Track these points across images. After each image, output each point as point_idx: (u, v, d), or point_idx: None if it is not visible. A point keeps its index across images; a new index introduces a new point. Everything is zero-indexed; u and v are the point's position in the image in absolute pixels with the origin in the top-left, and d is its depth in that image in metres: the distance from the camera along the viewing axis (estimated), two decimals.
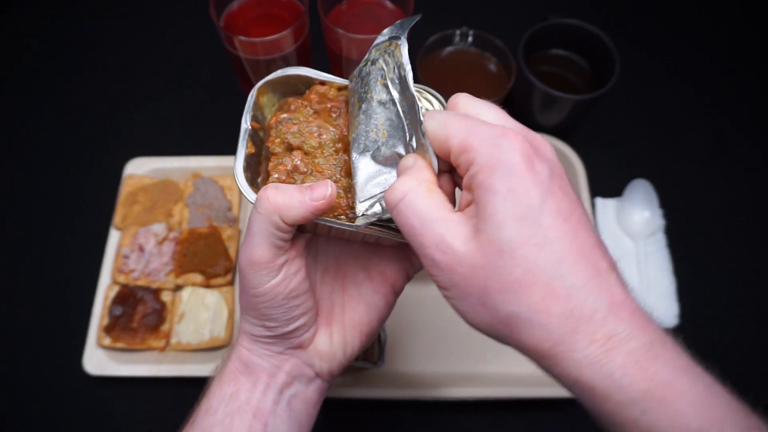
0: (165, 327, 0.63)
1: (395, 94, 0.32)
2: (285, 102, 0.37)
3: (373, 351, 0.58)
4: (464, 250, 0.27)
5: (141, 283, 0.64)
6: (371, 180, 0.33)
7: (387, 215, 0.32)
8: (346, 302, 0.39)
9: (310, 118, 0.36)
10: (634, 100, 0.80)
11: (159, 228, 0.66)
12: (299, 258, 0.35)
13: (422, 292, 0.65)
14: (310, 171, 0.35)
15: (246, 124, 0.36)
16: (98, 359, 0.61)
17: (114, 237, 0.67)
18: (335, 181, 0.35)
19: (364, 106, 0.33)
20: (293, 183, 0.34)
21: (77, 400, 0.62)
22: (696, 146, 0.77)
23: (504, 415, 0.61)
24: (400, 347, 0.63)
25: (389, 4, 0.63)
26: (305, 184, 0.32)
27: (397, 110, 0.32)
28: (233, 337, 0.62)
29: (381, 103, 0.33)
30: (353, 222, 0.34)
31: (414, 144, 0.31)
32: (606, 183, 0.72)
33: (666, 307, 0.65)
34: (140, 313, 0.63)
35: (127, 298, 0.63)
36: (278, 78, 0.37)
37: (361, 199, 0.33)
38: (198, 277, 0.65)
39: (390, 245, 0.38)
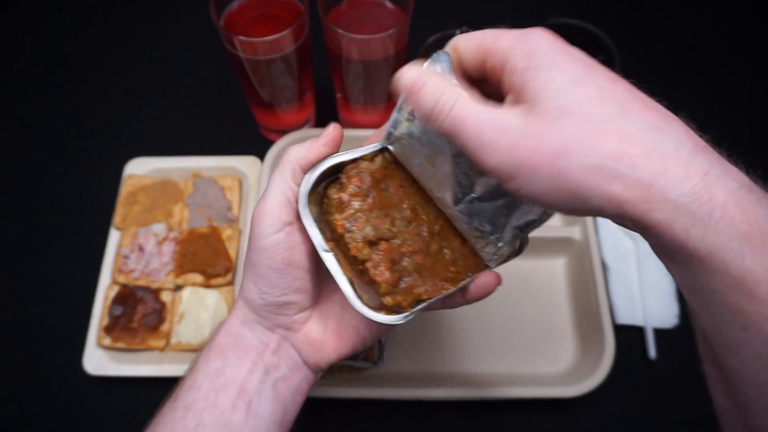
0: (165, 327, 0.63)
1: (445, 145, 0.32)
2: (328, 198, 0.35)
3: (373, 351, 0.58)
4: (524, 123, 0.25)
5: (141, 283, 0.64)
6: (492, 214, 0.33)
7: (527, 233, 0.34)
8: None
9: (370, 204, 0.35)
10: None
11: (159, 228, 0.66)
12: (304, 235, 0.35)
13: None
14: (404, 256, 0.35)
15: (326, 249, 0.35)
16: (98, 359, 0.61)
17: (114, 237, 0.67)
18: (427, 251, 0.35)
19: (440, 161, 0.32)
20: (398, 277, 0.34)
21: (77, 400, 0.62)
22: None
23: (504, 415, 0.61)
24: (400, 347, 0.63)
25: (389, 4, 0.63)
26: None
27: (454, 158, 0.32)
28: None
29: (454, 154, 0.32)
30: (495, 255, 0.35)
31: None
32: None
33: (666, 307, 0.65)
34: (140, 313, 0.63)
35: (127, 298, 0.63)
36: (314, 182, 0.35)
37: (495, 232, 0.34)
38: (198, 277, 0.65)
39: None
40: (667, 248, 0.24)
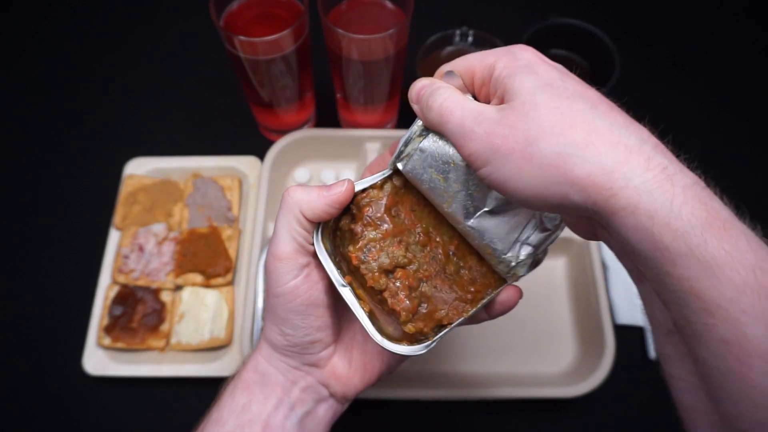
0: (165, 327, 0.63)
1: (457, 156, 0.32)
2: (341, 230, 0.36)
3: None
4: (501, 114, 0.28)
5: (141, 283, 0.64)
6: (503, 231, 0.33)
7: (540, 251, 0.34)
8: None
9: (383, 232, 0.35)
10: (634, 100, 0.80)
11: (159, 228, 0.66)
12: (321, 271, 0.35)
13: None
14: (421, 281, 0.35)
15: (343, 284, 0.35)
16: (98, 359, 0.61)
17: (114, 237, 0.67)
18: (444, 273, 0.35)
19: (452, 175, 0.33)
20: (417, 303, 0.34)
21: (77, 400, 0.62)
22: (696, 146, 0.77)
23: (504, 415, 0.61)
24: None
25: (389, 4, 0.63)
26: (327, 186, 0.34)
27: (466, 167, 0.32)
28: (233, 338, 0.62)
29: (465, 166, 0.32)
30: (509, 274, 0.35)
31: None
32: None
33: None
34: (140, 313, 0.63)
35: (127, 298, 0.63)
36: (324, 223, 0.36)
37: (508, 250, 0.34)
38: (198, 277, 0.65)
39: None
40: (632, 238, 0.25)
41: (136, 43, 0.85)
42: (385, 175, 0.36)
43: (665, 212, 0.23)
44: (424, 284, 0.35)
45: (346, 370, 0.38)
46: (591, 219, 0.27)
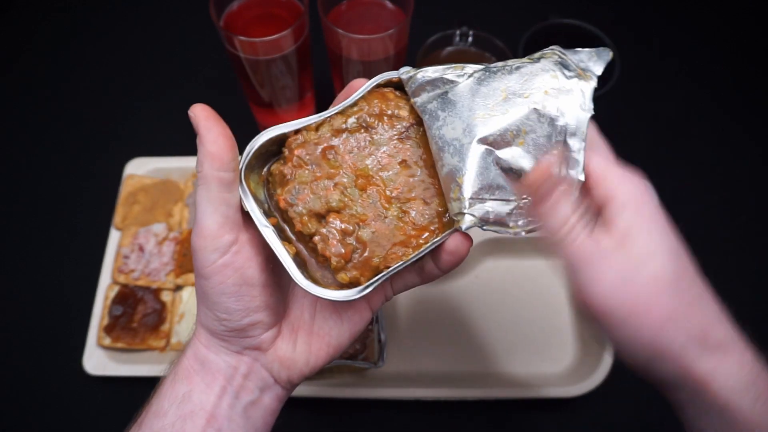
0: (165, 327, 0.63)
1: (553, 113, 0.32)
2: (272, 175, 0.34)
3: (373, 351, 0.58)
4: (644, 277, 0.29)
5: (141, 283, 0.64)
6: (484, 182, 0.31)
7: (510, 228, 0.32)
8: (318, 311, 0.36)
9: (315, 174, 0.33)
10: (634, 100, 0.80)
11: (159, 228, 0.66)
12: (254, 247, 0.33)
13: (422, 292, 0.65)
14: (357, 226, 0.32)
15: (264, 223, 0.32)
16: (98, 359, 0.61)
17: (114, 237, 0.67)
18: (384, 217, 0.33)
19: (513, 99, 0.32)
20: (352, 248, 0.32)
21: (77, 400, 0.62)
22: (696, 146, 0.77)
23: (504, 415, 0.61)
24: (400, 347, 0.63)
25: (389, 4, 0.63)
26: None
27: (550, 133, 0.32)
28: None
29: (538, 113, 0.32)
30: (456, 216, 0.32)
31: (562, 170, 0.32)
32: None
33: None
34: (140, 313, 0.63)
35: (127, 298, 0.63)
36: (253, 155, 0.33)
37: (473, 195, 0.31)
38: None
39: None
40: (702, 418, 0.31)
41: (136, 43, 0.85)
42: (324, 117, 0.34)
43: (748, 409, 0.28)
44: (361, 229, 0.32)
45: (291, 353, 0.35)
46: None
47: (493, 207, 0.31)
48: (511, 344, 0.63)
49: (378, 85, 0.35)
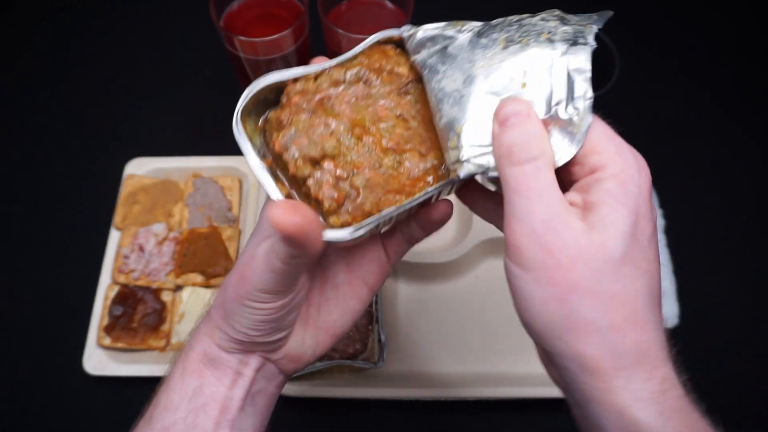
0: (165, 327, 0.63)
1: (557, 54, 0.30)
2: (269, 122, 0.34)
3: (373, 351, 0.58)
4: (573, 238, 0.26)
5: (141, 283, 0.64)
6: (485, 131, 0.30)
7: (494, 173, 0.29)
8: (322, 304, 0.37)
9: (311, 121, 0.32)
10: (634, 100, 0.80)
11: (159, 228, 0.67)
12: (307, 272, 0.33)
13: (422, 292, 0.66)
14: (351, 172, 0.32)
15: (257, 162, 0.32)
16: (98, 359, 0.61)
17: (114, 237, 0.67)
18: (378, 166, 0.32)
19: (512, 47, 0.30)
20: (346, 194, 0.32)
21: (77, 400, 0.62)
22: (696, 146, 0.77)
23: (504, 415, 0.61)
24: (400, 347, 0.63)
25: (389, 4, 0.63)
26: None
27: (551, 68, 0.29)
28: None
29: (538, 54, 0.30)
30: (448, 173, 0.31)
31: (560, 112, 0.29)
32: None
33: (666, 307, 0.65)
34: (140, 313, 0.63)
35: (127, 298, 0.63)
36: (250, 99, 0.33)
37: (473, 143, 0.30)
38: (198, 277, 0.65)
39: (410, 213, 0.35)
40: (603, 426, 0.27)
41: (136, 43, 0.85)
42: (324, 68, 0.34)
43: (650, 422, 0.25)
44: (355, 176, 0.32)
45: (300, 349, 0.36)
46: (557, 366, 0.29)
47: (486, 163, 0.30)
48: (511, 344, 0.63)
49: (379, 42, 0.35)
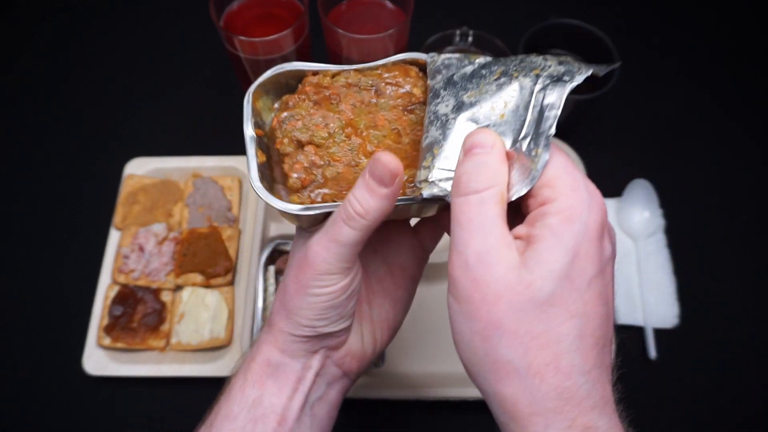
0: (165, 327, 0.63)
1: (538, 88, 0.30)
2: (282, 102, 0.37)
3: None
4: (502, 274, 0.26)
5: (141, 283, 0.64)
6: (456, 152, 0.31)
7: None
8: (372, 299, 0.38)
9: (312, 110, 0.35)
10: (634, 100, 0.80)
11: (159, 228, 0.66)
12: (358, 259, 0.34)
13: (422, 292, 0.65)
14: (327, 162, 0.34)
15: (250, 131, 0.35)
16: (98, 359, 0.61)
17: (114, 237, 0.67)
18: (355, 165, 0.34)
19: (503, 79, 0.32)
20: (313, 179, 0.34)
21: (77, 400, 0.62)
22: (696, 146, 0.77)
23: None
24: (400, 347, 0.63)
25: (389, 4, 0.63)
26: (366, 175, 0.30)
27: (529, 103, 0.30)
28: (233, 338, 0.62)
29: (522, 87, 0.31)
30: (421, 182, 0.32)
31: (524, 146, 0.29)
32: (606, 183, 0.72)
33: (666, 307, 0.65)
34: (140, 313, 0.63)
35: (127, 298, 0.63)
36: (270, 78, 0.36)
37: (443, 167, 0.31)
38: (198, 277, 0.65)
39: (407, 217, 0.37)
40: None
41: (136, 43, 0.85)
42: (343, 68, 0.36)
43: None
44: (329, 167, 0.34)
45: (360, 345, 0.37)
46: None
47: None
48: None
49: (405, 61, 0.37)
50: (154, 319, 0.62)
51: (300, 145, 0.35)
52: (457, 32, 0.73)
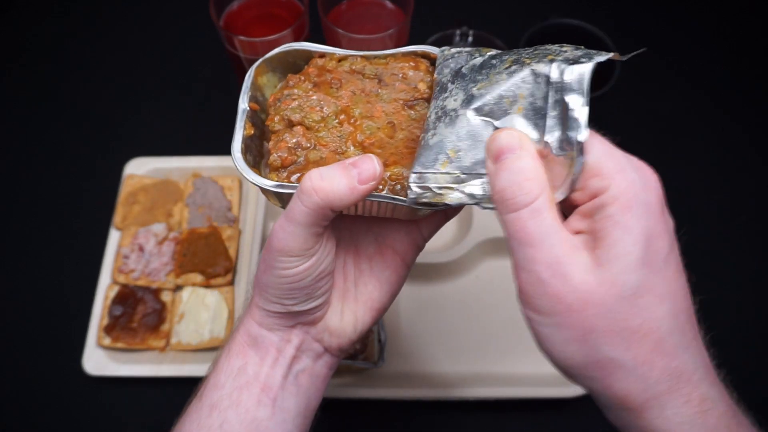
0: (165, 327, 0.63)
1: (555, 74, 0.28)
2: (285, 80, 0.37)
3: (373, 351, 0.58)
4: (581, 280, 0.25)
5: (141, 283, 0.64)
6: (475, 157, 0.29)
7: (480, 202, 0.29)
8: (358, 277, 0.38)
9: (310, 92, 0.35)
10: (634, 100, 0.80)
11: (159, 228, 0.67)
12: (331, 239, 0.34)
13: (422, 292, 0.66)
14: (313, 145, 0.34)
15: (244, 104, 0.35)
16: (98, 359, 0.61)
17: (114, 237, 0.67)
18: (341, 153, 0.34)
19: (515, 67, 0.29)
20: (294, 160, 0.33)
21: (77, 400, 0.62)
22: (696, 146, 0.77)
23: (504, 415, 0.61)
24: (400, 347, 0.63)
25: (389, 4, 0.63)
26: (347, 161, 0.30)
27: (547, 91, 0.28)
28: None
29: (536, 73, 0.28)
30: (402, 191, 0.31)
31: (553, 142, 0.27)
32: None
33: None
34: (140, 313, 0.63)
35: (127, 298, 0.63)
36: (277, 55, 0.36)
37: (458, 169, 0.29)
38: (198, 277, 0.65)
39: (405, 218, 0.36)
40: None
41: (136, 43, 0.85)
42: (350, 54, 0.36)
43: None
44: (314, 150, 0.34)
45: (339, 323, 0.37)
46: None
47: (468, 182, 0.29)
48: (511, 344, 0.63)
49: (416, 54, 0.36)
50: (154, 319, 0.62)
51: (290, 124, 0.34)
52: (457, 32, 0.73)
